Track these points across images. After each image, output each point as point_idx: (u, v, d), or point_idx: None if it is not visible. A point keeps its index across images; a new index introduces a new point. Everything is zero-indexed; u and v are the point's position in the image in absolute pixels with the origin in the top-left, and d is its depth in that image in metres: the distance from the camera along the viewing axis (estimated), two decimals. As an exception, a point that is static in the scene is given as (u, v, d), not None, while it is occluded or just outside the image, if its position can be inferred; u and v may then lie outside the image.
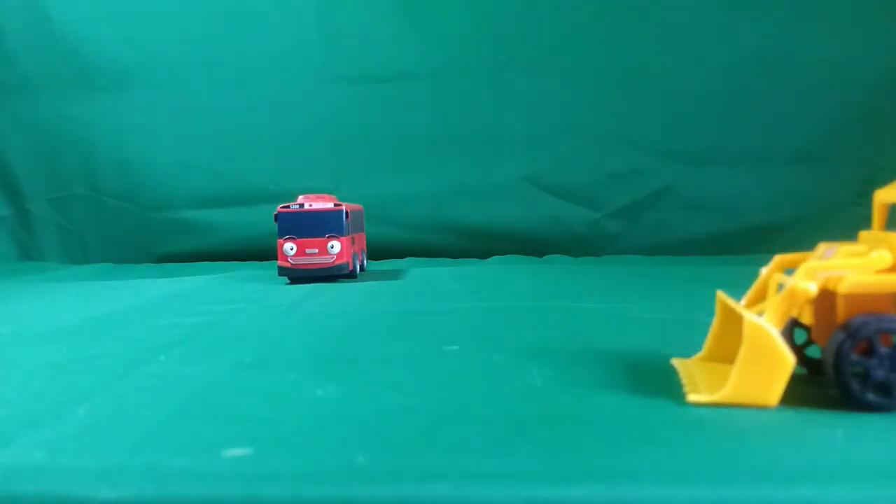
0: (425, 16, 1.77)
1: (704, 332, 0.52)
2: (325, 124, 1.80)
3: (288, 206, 1.22)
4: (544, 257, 1.70)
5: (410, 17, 1.77)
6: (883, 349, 0.41)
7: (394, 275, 1.32)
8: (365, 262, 1.40)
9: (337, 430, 0.39)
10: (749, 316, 0.43)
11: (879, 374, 0.41)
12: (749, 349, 0.42)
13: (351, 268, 1.23)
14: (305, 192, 1.29)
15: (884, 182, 0.49)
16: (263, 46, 1.79)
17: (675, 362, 0.51)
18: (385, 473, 0.33)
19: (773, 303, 0.44)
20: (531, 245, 1.75)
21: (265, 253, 1.59)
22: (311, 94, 1.79)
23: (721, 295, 0.51)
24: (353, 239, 1.27)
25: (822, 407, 0.42)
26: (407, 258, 1.70)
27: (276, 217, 1.21)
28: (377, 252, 1.59)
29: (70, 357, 0.62)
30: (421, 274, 1.34)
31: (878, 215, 0.48)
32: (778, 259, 0.49)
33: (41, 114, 1.83)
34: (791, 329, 0.49)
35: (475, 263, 1.60)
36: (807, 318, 0.46)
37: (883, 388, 0.41)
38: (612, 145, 1.75)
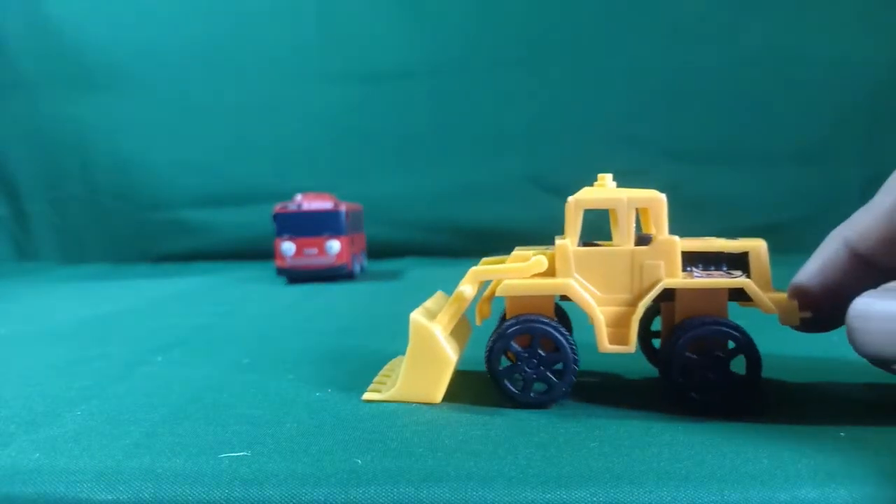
0: (425, 14, 1.77)
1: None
2: (325, 123, 1.80)
3: (286, 206, 1.21)
4: (545, 257, 1.70)
5: (410, 16, 1.77)
6: (518, 348, 0.42)
7: (394, 275, 1.32)
8: (364, 262, 1.39)
9: (336, 431, 0.39)
10: (413, 315, 0.44)
11: (527, 372, 0.42)
12: (414, 348, 0.43)
13: (350, 268, 1.22)
14: (305, 191, 1.28)
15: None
16: (262, 46, 1.79)
17: (393, 361, 0.52)
18: (384, 476, 0.33)
19: (446, 304, 0.46)
20: (533, 245, 1.74)
21: (264, 253, 1.58)
22: (310, 93, 1.79)
23: (440, 294, 0.52)
24: (352, 239, 1.26)
25: (822, 408, 0.41)
26: (407, 258, 1.70)
27: (275, 217, 1.21)
28: (377, 252, 1.59)
29: (68, 358, 0.61)
30: (421, 274, 1.33)
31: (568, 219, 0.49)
32: (482, 261, 0.50)
33: (39, 114, 1.82)
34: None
35: (475, 263, 1.59)
36: (478, 319, 0.48)
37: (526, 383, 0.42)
38: (615, 144, 1.75)
